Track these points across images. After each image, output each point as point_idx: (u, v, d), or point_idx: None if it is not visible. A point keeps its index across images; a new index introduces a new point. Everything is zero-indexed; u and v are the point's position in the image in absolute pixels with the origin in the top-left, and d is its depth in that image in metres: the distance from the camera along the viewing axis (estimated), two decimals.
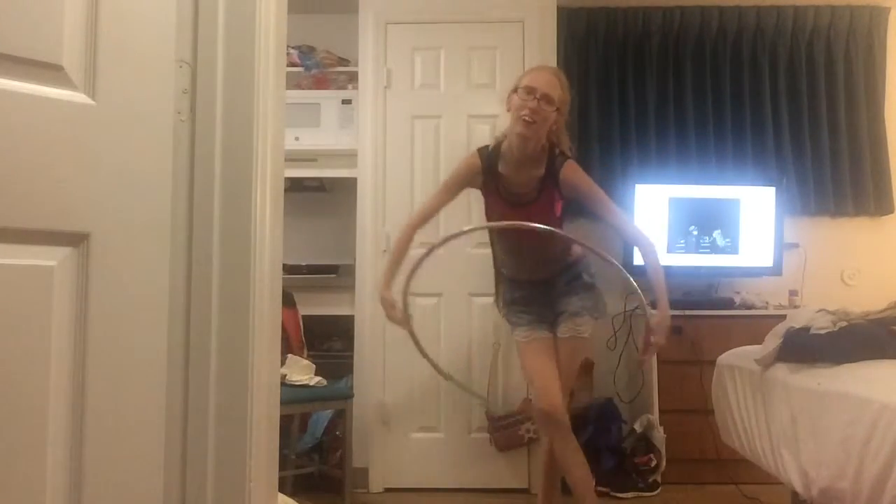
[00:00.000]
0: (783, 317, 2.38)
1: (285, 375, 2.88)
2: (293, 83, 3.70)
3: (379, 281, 2.71)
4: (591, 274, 2.66)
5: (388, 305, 2.54)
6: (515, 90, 2.47)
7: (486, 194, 2.63)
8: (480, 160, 2.57)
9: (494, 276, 2.87)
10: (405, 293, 2.60)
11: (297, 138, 3.48)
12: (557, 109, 2.45)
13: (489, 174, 2.56)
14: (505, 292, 2.75)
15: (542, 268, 2.65)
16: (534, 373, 2.61)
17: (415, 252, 3.48)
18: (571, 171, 2.51)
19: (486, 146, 2.63)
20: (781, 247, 3.76)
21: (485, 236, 3.54)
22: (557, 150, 2.54)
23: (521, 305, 2.68)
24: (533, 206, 2.53)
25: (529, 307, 2.66)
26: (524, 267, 2.69)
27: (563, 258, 2.65)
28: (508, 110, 2.50)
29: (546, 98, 2.40)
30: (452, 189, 2.63)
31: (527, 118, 2.39)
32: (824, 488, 1.89)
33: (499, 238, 2.73)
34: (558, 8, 3.61)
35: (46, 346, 1.07)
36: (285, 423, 2.97)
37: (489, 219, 2.68)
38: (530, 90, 2.40)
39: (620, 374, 3.81)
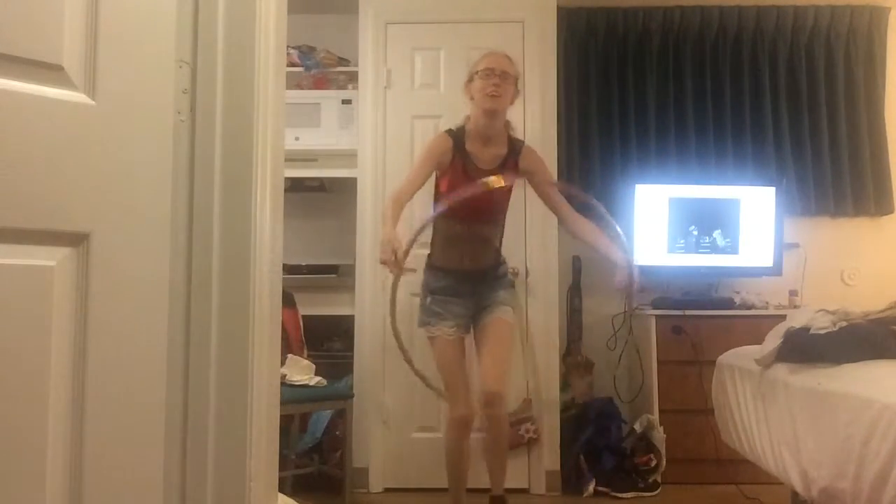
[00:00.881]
0: (783, 317, 2.38)
1: (285, 375, 2.88)
2: (293, 83, 3.70)
3: (381, 232, 2.61)
4: (512, 273, 2.97)
5: (388, 241, 2.41)
6: (471, 78, 2.69)
7: (450, 174, 2.71)
8: (451, 139, 2.73)
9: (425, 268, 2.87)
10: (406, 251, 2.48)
11: (297, 138, 3.48)
12: (514, 81, 2.70)
13: (457, 152, 2.71)
14: (430, 282, 2.80)
15: (478, 257, 2.78)
16: (452, 376, 2.73)
17: (418, 252, 3.51)
18: (531, 151, 2.82)
19: (451, 129, 2.79)
20: (781, 247, 3.76)
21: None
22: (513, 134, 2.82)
23: (448, 295, 2.75)
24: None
25: (456, 298, 2.74)
26: (462, 254, 2.76)
27: (499, 253, 2.86)
28: (471, 98, 2.71)
29: (504, 75, 2.65)
30: (427, 165, 2.73)
31: (493, 93, 2.62)
32: (824, 488, 1.89)
33: (447, 221, 2.74)
34: (558, 8, 3.61)
35: (46, 346, 1.07)
36: (285, 423, 2.98)
37: (447, 199, 2.67)
38: (489, 71, 2.65)
39: (621, 374, 3.81)
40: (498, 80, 2.63)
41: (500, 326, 2.76)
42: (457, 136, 2.73)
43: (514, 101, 2.77)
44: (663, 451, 3.36)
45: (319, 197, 3.92)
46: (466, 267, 2.77)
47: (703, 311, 3.55)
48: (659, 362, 3.49)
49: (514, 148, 2.77)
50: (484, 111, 2.66)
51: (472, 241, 2.77)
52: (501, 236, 2.87)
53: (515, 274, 3.28)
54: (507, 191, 2.76)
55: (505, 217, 2.85)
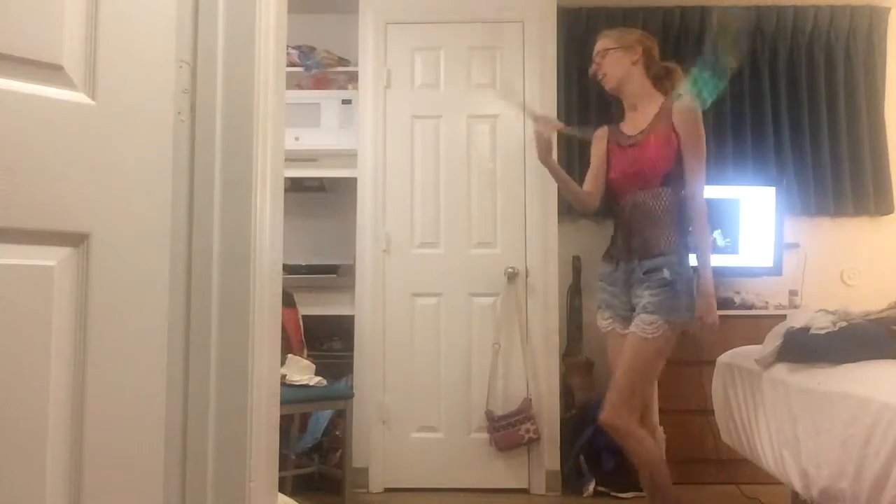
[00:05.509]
0: (783, 317, 2.38)
1: (285, 375, 2.88)
2: (293, 83, 3.70)
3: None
4: (676, 272, 2.42)
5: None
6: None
7: (608, 152, 2.62)
8: (605, 126, 2.68)
9: None
10: None
11: (297, 138, 3.48)
12: (621, 50, 2.55)
13: (610, 132, 2.64)
14: (601, 267, 2.62)
15: (630, 241, 2.48)
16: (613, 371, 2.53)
17: (418, 252, 3.52)
18: (681, 108, 2.47)
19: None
20: (781, 247, 3.76)
21: (487, 235, 3.56)
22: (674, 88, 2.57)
23: (606, 283, 2.56)
24: (635, 149, 2.50)
25: (612, 287, 2.53)
26: (621, 234, 2.54)
27: (662, 240, 2.45)
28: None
29: (602, 53, 2.58)
30: (592, 161, 2.67)
31: (592, 76, 2.62)
32: (824, 488, 1.89)
33: (613, 196, 2.61)
34: (558, 8, 3.62)
35: (46, 346, 1.07)
36: (285, 423, 2.98)
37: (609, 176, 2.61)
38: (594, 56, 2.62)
39: None
40: (597, 62, 2.58)
41: (632, 342, 2.39)
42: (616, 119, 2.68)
43: (635, 61, 2.53)
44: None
45: (319, 197, 3.93)
46: (618, 251, 2.52)
47: None
48: None
49: (666, 105, 2.48)
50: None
51: (630, 215, 2.49)
52: (673, 215, 2.46)
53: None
54: (645, 150, 2.46)
55: (669, 185, 2.45)
